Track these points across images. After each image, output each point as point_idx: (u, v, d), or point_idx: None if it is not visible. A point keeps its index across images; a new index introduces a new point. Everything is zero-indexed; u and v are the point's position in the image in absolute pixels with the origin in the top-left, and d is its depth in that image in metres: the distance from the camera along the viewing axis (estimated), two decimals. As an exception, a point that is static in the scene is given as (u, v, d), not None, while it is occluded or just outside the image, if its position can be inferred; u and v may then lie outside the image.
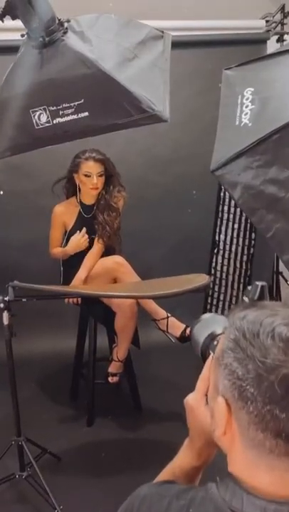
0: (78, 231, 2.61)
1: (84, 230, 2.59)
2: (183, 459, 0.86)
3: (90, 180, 2.58)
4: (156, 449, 2.53)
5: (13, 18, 1.59)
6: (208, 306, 3.36)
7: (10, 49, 2.07)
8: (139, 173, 3.58)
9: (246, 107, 1.97)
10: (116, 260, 2.60)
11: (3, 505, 2.12)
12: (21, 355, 3.11)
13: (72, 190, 2.77)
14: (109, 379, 2.75)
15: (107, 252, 2.73)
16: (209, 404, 0.75)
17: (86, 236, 2.59)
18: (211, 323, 0.86)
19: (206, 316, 0.90)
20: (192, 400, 0.80)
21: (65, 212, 2.74)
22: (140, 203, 3.35)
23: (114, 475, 2.32)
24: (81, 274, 2.56)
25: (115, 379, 2.76)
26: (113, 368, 2.76)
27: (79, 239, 2.57)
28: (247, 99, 1.98)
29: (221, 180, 1.97)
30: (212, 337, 0.83)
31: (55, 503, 2.01)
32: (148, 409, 2.86)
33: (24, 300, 2.01)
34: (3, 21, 1.60)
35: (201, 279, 1.97)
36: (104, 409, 2.81)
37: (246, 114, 1.96)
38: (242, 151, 1.88)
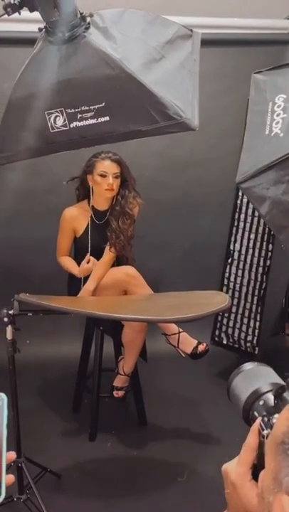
0: (88, 254, 2.45)
1: (92, 259, 2.43)
2: None
3: (106, 180, 2.44)
4: (161, 469, 2.43)
5: (31, 10, 1.44)
6: (220, 318, 3.23)
7: (24, 41, 1.93)
8: (153, 175, 3.44)
9: (278, 115, 1.83)
10: (127, 272, 2.46)
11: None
12: (24, 360, 3.01)
13: (84, 193, 2.62)
14: (114, 393, 2.64)
15: (118, 261, 2.58)
16: (264, 496, 0.61)
17: (93, 260, 2.43)
18: (255, 377, 0.75)
19: (249, 366, 0.78)
20: (235, 474, 0.66)
21: (75, 217, 2.59)
22: (152, 206, 3.19)
23: (115, 496, 2.23)
24: (90, 285, 2.42)
25: (121, 393, 2.64)
26: (118, 381, 2.64)
27: (89, 267, 2.41)
28: (279, 106, 1.84)
29: (248, 193, 1.83)
30: (257, 395, 0.72)
31: (54, 531, 1.89)
32: (154, 424, 2.74)
33: (30, 314, 1.87)
34: (19, 13, 1.46)
35: (220, 300, 1.83)
36: (108, 423, 2.69)
37: (277, 123, 1.82)
38: (272, 164, 1.74)
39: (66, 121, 1.52)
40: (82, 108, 1.49)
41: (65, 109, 1.51)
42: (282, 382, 0.73)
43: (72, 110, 1.50)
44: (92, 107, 1.49)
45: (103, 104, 1.49)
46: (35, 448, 2.30)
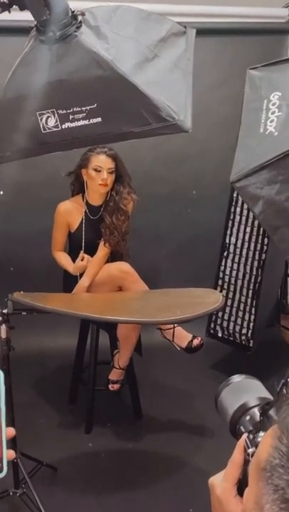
0: (82, 251, 2.45)
1: (86, 257, 2.44)
2: None
3: (100, 175, 2.42)
4: (156, 461, 2.47)
5: (21, 8, 1.41)
6: (215, 312, 3.23)
7: (18, 30, 1.87)
8: (148, 168, 3.42)
9: (272, 113, 1.80)
10: (122, 269, 2.46)
11: (-3, 522, 2.05)
12: (19, 352, 3.03)
13: (78, 188, 2.61)
14: (110, 386, 2.66)
15: (113, 256, 2.58)
16: None
17: (87, 258, 2.43)
18: (243, 391, 0.75)
19: (237, 379, 0.78)
20: (220, 489, 0.66)
21: (69, 212, 2.58)
22: (148, 199, 3.19)
23: (111, 489, 2.27)
24: (84, 281, 2.43)
25: (116, 386, 2.66)
26: (114, 375, 2.66)
27: (83, 264, 2.42)
28: (273, 104, 1.81)
29: (241, 193, 1.82)
30: (244, 410, 0.72)
31: (50, 525, 1.93)
32: (149, 417, 2.77)
33: (24, 313, 1.88)
34: (9, 12, 1.43)
35: (214, 299, 1.84)
36: (103, 416, 2.72)
37: (272, 121, 1.79)
38: (266, 163, 1.72)
39: (58, 122, 1.50)
40: (74, 109, 1.48)
41: (57, 110, 1.49)
42: (270, 396, 0.74)
43: (64, 111, 1.48)
44: (84, 108, 1.47)
45: (95, 105, 1.47)
46: (31, 441, 2.33)
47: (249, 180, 1.76)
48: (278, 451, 0.52)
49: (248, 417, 0.70)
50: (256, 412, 0.71)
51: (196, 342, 2.45)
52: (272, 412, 0.66)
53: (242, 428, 0.71)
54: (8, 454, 0.70)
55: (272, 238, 1.90)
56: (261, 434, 0.64)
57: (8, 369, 1.92)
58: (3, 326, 1.85)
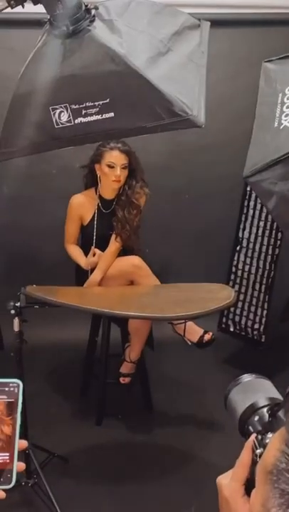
0: (93, 247, 2.46)
1: (98, 252, 2.45)
2: None
3: (113, 171, 2.42)
4: (165, 454, 2.49)
5: (35, 2, 1.41)
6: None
7: (34, 23, 1.86)
8: (161, 161, 3.40)
9: (287, 107, 1.78)
10: (134, 263, 2.46)
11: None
12: (32, 344, 3.05)
13: (91, 181, 2.61)
14: (121, 379, 2.68)
15: (124, 250, 2.59)
16: None
17: (98, 253, 2.44)
18: (252, 391, 0.75)
19: (247, 378, 0.78)
20: (228, 489, 0.66)
21: (82, 205, 2.59)
22: (161, 192, 3.18)
23: (121, 480, 2.28)
24: (96, 276, 2.43)
25: (127, 380, 2.68)
26: (125, 368, 2.67)
27: (95, 260, 2.43)
28: (289, 98, 1.79)
29: (255, 188, 1.80)
30: (253, 410, 0.71)
31: (61, 515, 1.95)
32: (159, 410, 2.79)
33: (36, 307, 1.90)
34: (23, 6, 1.42)
35: (226, 295, 1.83)
36: (114, 408, 2.74)
37: (287, 115, 1.77)
38: (280, 158, 1.70)
39: (71, 117, 1.50)
40: (87, 104, 1.47)
41: (70, 105, 1.49)
42: (280, 397, 0.74)
43: (77, 106, 1.48)
44: (96, 103, 1.47)
45: (108, 100, 1.46)
46: (43, 432, 2.37)
47: (262, 175, 1.74)
48: (285, 456, 0.52)
49: (256, 418, 0.70)
50: (265, 412, 0.71)
51: (207, 337, 2.45)
52: (281, 414, 0.65)
53: (251, 428, 0.71)
54: (19, 466, 0.71)
55: (285, 234, 1.88)
56: (269, 435, 0.64)
57: (20, 361, 1.94)
58: (16, 320, 1.87)
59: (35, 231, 3.41)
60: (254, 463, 0.64)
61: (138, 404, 2.80)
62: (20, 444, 0.72)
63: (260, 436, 0.66)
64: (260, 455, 0.62)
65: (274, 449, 0.55)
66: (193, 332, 2.46)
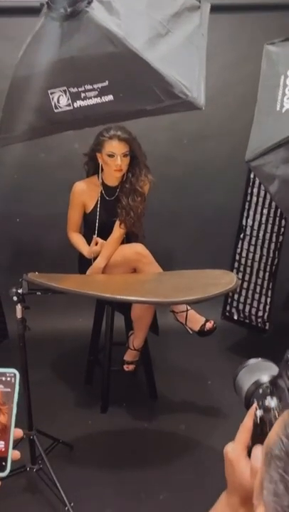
0: (94, 235, 2.45)
1: (100, 241, 2.44)
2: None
3: (114, 161, 2.40)
4: (170, 440, 2.50)
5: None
6: (230, 294, 3.22)
7: (31, 10, 1.85)
8: (164, 149, 3.38)
9: (289, 89, 1.76)
10: (137, 250, 2.45)
11: (15, 496, 2.09)
12: (36, 333, 3.07)
13: (93, 169, 2.60)
14: (125, 367, 2.68)
15: (128, 238, 2.58)
16: (254, 496, 0.63)
17: (100, 242, 2.44)
18: (257, 370, 0.79)
19: (253, 361, 0.83)
20: (231, 452, 0.71)
21: (85, 192, 2.57)
22: (164, 181, 3.16)
23: (126, 467, 2.29)
24: (100, 262, 2.43)
25: (131, 367, 2.68)
26: (129, 356, 2.68)
27: (97, 249, 2.42)
28: (291, 80, 1.77)
29: (257, 172, 1.79)
30: (257, 385, 0.76)
31: (65, 500, 1.97)
32: (164, 398, 2.79)
33: (39, 293, 1.90)
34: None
35: (228, 280, 1.82)
36: (119, 396, 2.75)
37: (289, 98, 1.75)
38: (283, 141, 1.69)
39: (70, 101, 1.49)
40: (86, 87, 1.46)
41: (68, 88, 1.47)
42: None
43: (76, 89, 1.47)
44: (95, 86, 1.46)
45: (107, 82, 1.45)
46: (48, 420, 2.38)
47: (265, 159, 1.73)
48: (280, 442, 0.52)
49: (260, 391, 0.73)
50: (267, 384, 0.74)
51: (208, 325, 2.45)
52: (280, 381, 0.69)
53: (254, 400, 0.74)
54: (14, 455, 0.72)
55: (288, 217, 1.86)
56: (268, 398, 0.68)
57: (24, 348, 1.94)
58: (19, 306, 1.87)
59: (37, 221, 3.41)
60: (255, 425, 0.68)
61: (142, 392, 2.81)
62: (16, 432, 0.73)
63: (260, 402, 0.70)
64: (260, 417, 0.67)
65: (274, 431, 0.56)
66: (195, 320, 2.46)
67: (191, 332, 2.47)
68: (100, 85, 1.45)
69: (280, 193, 1.73)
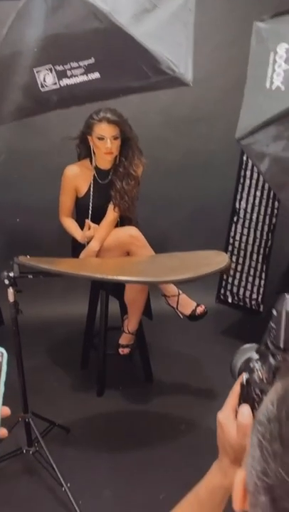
0: (87, 220, 2.44)
1: (93, 226, 2.42)
2: (209, 478, 0.79)
3: (104, 143, 2.38)
4: (166, 422, 2.51)
5: None
6: (225, 277, 3.23)
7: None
8: (157, 133, 3.35)
9: (279, 66, 1.74)
10: (131, 233, 2.44)
11: (12, 478, 2.11)
12: (32, 318, 3.07)
13: (85, 151, 2.57)
14: (120, 351, 2.69)
15: (122, 221, 2.57)
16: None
17: (93, 227, 2.42)
18: (250, 350, 0.82)
19: (247, 345, 0.86)
20: (221, 415, 0.75)
21: (77, 176, 2.55)
22: (157, 165, 3.15)
23: (123, 448, 2.31)
24: (94, 245, 2.42)
25: (126, 351, 2.69)
26: (124, 339, 2.68)
27: (91, 233, 2.41)
28: (280, 57, 1.75)
29: (247, 150, 1.78)
30: (248, 361, 0.79)
31: (62, 480, 1.98)
32: (159, 380, 2.81)
33: (30, 276, 1.89)
34: None
35: (220, 260, 1.82)
36: (115, 379, 2.76)
37: (279, 75, 1.74)
38: (272, 119, 1.68)
39: (56, 79, 1.47)
40: (72, 64, 1.44)
41: (54, 66, 1.46)
42: None
43: (62, 67, 1.45)
44: (81, 63, 1.44)
45: (93, 59, 1.43)
46: (45, 404, 2.39)
47: (255, 137, 1.72)
48: (266, 408, 0.52)
49: (251, 365, 0.75)
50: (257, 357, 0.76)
51: (199, 310, 2.46)
52: (262, 347, 0.73)
53: (244, 372, 0.76)
54: (1, 432, 0.72)
55: (278, 196, 1.86)
56: (253, 361, 0.72)
57: (17, 331, 1.94)
58: (11, 290, 1.86)
59: (30, 209, 3.39)
60: (242, 387, 0.71)
61: (138, 375, 2.82)
62: (4, 410, 0.73)
63: (247, 366, 0.73)
64: (247, 379, 0.70)
65: (265, 400, 0.56)
66: (186, 305, 2.47)
67: (182, 317, 2.48)
68: (86, 62, 1.43)
69: (271, 171, 1.72)
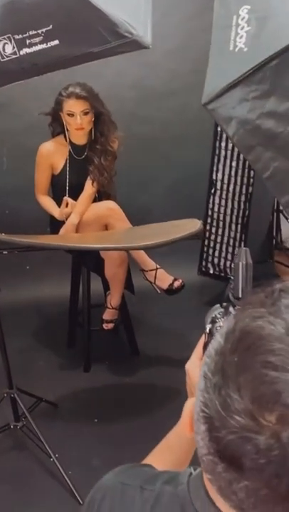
0: (65, 197, 2.43)
1: (70, 201, 2.41)
2: (178, 423, 0.82)
3: (74, 120, 2.36)
4: (153, 394, 2.55)
5: None
6: (205, 249, 3.25)
7: None
8: (131, 107, 3.33)
9: (242, 28, 1.74)
10: (109, 206, 2.45)
11: (1, 454, 2.14)
12: (16, 300, 3.08)
13: (59, 128, 2.55)
14: (104, 326, 2.71)
15: (100, 197, 2.57)
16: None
17: (71, 203, 2.42)
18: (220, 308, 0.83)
19: (218, 305, 0.87)
20: (188, 364, 0.78)
21: (52, 153, 2.53)
22: (132, 140, 3.13)
23: (110, 421, 2.35)
24: (73, 219, 2.41)
25: (110, 326, 2.71)
26: (108, 315, 2.70)
27: (68, 210, 2.41)
28: (243, 19, 1.74)
29: (214, 114, 1.78)
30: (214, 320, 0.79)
31: (50, 452, 2.02)
32: (145, 354, 2.85)
33: (5, 253, 1.90)
34: None
35: (192, 226, 1.84)
36: (101, 355, 2.80)
37: (241, 37, 1.73)
38: (236, 81, 1.68)
39: (15, 49, 1.46)
40: (30, 33, 1.43)
41: (13, 35, 1.44)
42: None
43: (20, 36, 1.44)
44: (40, 31, 1.43)
45: (51, 26, 1.42)
46: (32, 382, 2.41)
47: (220, 101, 1.73)
48: (214, 341, 0.52)
49: (213, 316, 0.77)
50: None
51: (176, 284, 2.49)
52: (224, 301, 0.75)
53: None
54: None
55: (247, 159, 1.87)
56: (215, 312, 0.73)
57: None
58: (-13, 267, 1.87)
59: (5, 190, 3.36)
60: (206, 337, 0.73)
61: (124, 350, 2.86)
62: None
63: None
64: (210, 329, 0.72)
65: (216, 335, 0.57)
66: (164, 279, 2.50)
67: (159, 291, 2.51)
68: (44, 30, 1.42)
69: (238, 134, 1.73)
